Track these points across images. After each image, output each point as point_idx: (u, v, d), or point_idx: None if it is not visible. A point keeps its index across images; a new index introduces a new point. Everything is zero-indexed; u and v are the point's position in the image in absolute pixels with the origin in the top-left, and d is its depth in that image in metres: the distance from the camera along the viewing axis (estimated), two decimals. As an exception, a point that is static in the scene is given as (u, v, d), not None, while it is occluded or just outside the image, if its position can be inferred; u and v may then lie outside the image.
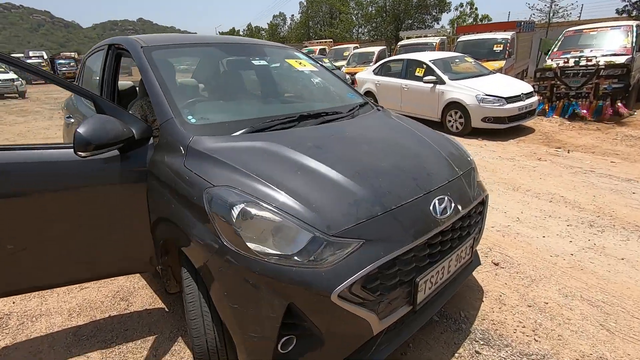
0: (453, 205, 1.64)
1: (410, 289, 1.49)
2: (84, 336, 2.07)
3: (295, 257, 1.26)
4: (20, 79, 16.60)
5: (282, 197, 1.35)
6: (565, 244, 2.88)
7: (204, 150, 1.57)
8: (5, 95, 16.10)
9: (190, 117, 1.79)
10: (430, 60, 7.49)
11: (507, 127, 6.45)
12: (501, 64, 9.37)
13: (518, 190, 4.03)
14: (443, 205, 1.60)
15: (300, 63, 2.60)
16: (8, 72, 16.62)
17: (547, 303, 2.21)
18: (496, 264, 2.63)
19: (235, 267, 1.29)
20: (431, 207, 1.55)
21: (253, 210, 1.30)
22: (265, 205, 1.32)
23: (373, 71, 8.95)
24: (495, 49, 9.96)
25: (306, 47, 21.05)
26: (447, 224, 1.59)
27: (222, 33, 72.45)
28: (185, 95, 2.02)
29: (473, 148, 5.83)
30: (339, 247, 1.30)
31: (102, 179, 1.71)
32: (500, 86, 6.74)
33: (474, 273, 2.47)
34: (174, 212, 1.54)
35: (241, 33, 60.77)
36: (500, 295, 2.30)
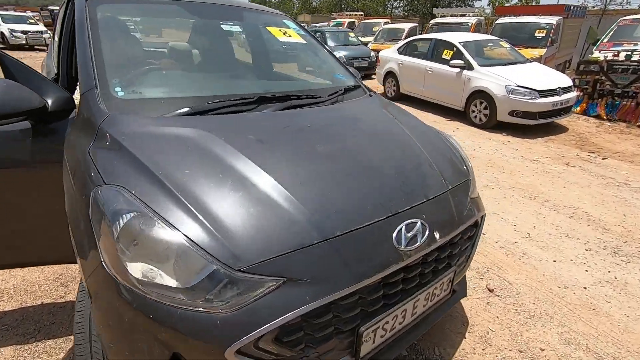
0: (427, 232, 1.26)
1: (352, 339, 1.15)
2: (5, 325, 1.86)
3: (182, 295, 0.94)
4: (49, 32, 16.71)
5: (184, 211, 1.01)
6: (580, 273, 2.44)
7: (114, 134, 1.24)
8: (35, 47, 16.29)
9: (118, 88, 1.45)
10: (460, 42, 6.79)
11: (536, 123, 5.80)
12: (541, 52, 8.47)
13: (535, 199, 3.54)
14: (412, 233, 1.22)
15: (285, 33, 2.19)
16: (38, 24, 16.76)
17: (542, 350, 1.83)
18: (491, 290, 2.25)
19: (109, 295, 0.98)
20: (394, 235, 1.18)
21: (140, 225, 0.98)
22: (157, 219, 0.99)
23: (398, 50, 8.29)
24: (536, 34, 8.99)
25: (335, 19, 20.05)
26: (415, 257, 1.22)
27: (253, 0, 70.67)
28: (128, 62, 1.68)
29: (494, 144, 5.27)
30: (247, 286, 0.96)
31: (9, 156, 1.44)
32: (535, 77, 6.02)
33: (461, 300, 2.10)
34: (70, 209, 1.24)
35: (274, 0, 59.06)
36: (488, 332, 1.93)
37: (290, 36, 2.20)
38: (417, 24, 14.01)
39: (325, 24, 18.55)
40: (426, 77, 7.29)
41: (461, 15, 14.41)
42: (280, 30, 2.18)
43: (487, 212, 3.21)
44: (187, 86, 1.67)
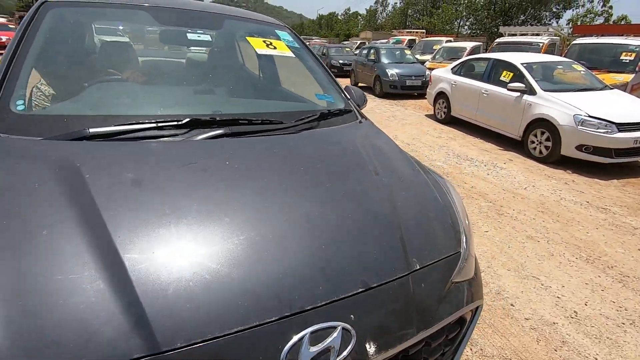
0: (353, 344, 0.82)
1: None
2: None
3: None
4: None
5: None
6: (645, 386, 1.74)
7: None
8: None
9: (20, 101, 1.23)
10: (522, 63, 6.00)
11: (612, 162, 4.82)
12: (627, 78, 7.25)
13: (594, 262, 2.78)
14: (322, 346, 0.79)
15: (269, 44, 1.88)
16: None
17: None
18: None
19: None
20: (285, 351, 0.76)
21: None
22: None
23: (452, 69, 7.65)
24: (622, 58, 7.74)
25: (395, 36, 19.63)
26: None
27: (322, 16, 72.86)
28: (57, 72, 1.48)
29: (552, 183, 4.44)
30: None
31: None
32: (613, 107, 5.06)
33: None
34: None
35: (340, 17, 60.29)
36: None
37: (275, 48, 1.88)
38: (481, 43, 13.06)
39: (385, 40, 18.20)
40: (480, 100, 6.56)
41: (533, 35, 13.16)
42: (263, 41, 1.87)
43: (524, 273, 2.57)
44: (115, 102, 1.41)
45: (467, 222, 1.34)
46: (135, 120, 1.21)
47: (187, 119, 1.26)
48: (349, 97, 1.88)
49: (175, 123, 1.24)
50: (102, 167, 1.00)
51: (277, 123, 1.43)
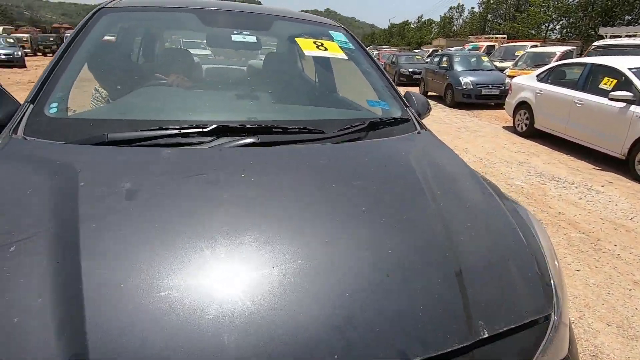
0: None
1: None
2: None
3: None
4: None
5: None
6: None
7: None
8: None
9: (55, 104, 1.20)
10: (630, 69, 5.06)
11: None
12: None
13: None
14: None
15: (319, 45, 1.69)
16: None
17: None
18: None
19: None
20: None
21: None
22: None
23: (537, 76, 6.80)
24: None
25: (471, 42, 18.41)
26: None
27: (394, 25, 71.88)
28: (104, 75, 1.46)
29: (669, 215, 3.58)
30: None
31: None
32: None
33: None
34: None
35: (412, 26, 58.94)
36: None
37: (325, 49, 1.68)
38: (574, 48, 11.55)
39: (460, 48, 17.17)
40: (572, 111, 5.68)
41: (643, 36, 11.29)
42: (314, 42, 1.69)
43: (632, 332, 1.97)
44: (147, 108, 1.33)
45: (558, 270, 0.99)
46: (159, 126, 1.10)
47: (214, 126, 1.11)
48: (407, 104, 1.61)
49: (200, 130, 1.10)
50: (101, 175, 0.89)
51: (317, 132, 1.23)
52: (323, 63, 2.05)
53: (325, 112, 1.57)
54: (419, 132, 1.45)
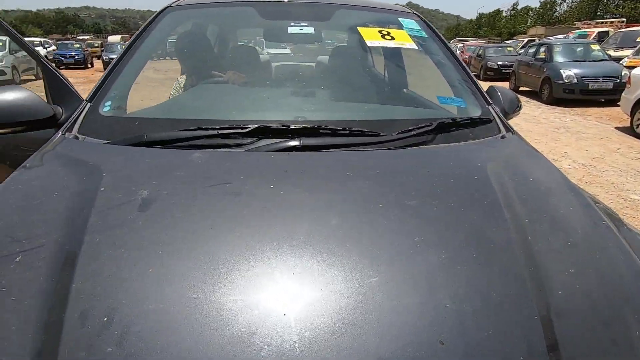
0: None
1: None
2: None
3: None
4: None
5: None
6: None
7: (43, 157, 0.99)
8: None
9: (109, 102, 1.20)
10: None
11: None
12: None
13: None
14: None
15: (385, 35, 1.48)
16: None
17: None
18: None
19: None
20: None
21: None
22: None
23: (668, 66, 5.55)
24: None
25: (578, 29, 15.96)
26: None
27: (482, 15, 66.22)
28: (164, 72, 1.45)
29: None
30: None
31: None
32: None
33: None
34: None
35: (505, 14, 53.64)
36: None
37: (392, 38, 1.47)
38: None
39: (563, 36, 15.02)
40: None
41: None
42: (379, 31, 1.49)
43: None
44: (196, 106, 1.27)
45: None
46: (197, 126, 1.03)
47: (252, 127, 1.00)
48: (490, 101, 1.32)
49: (238, 131, 1.00)
50: (124, 180, 0.83)
51: (371, 134, 1.04)
52: (394, 55, 1.84)
53: (388, 110, 1.36)
54: (503, 136, 1.16)
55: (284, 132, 1.01)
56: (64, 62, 18.51)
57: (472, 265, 0.65)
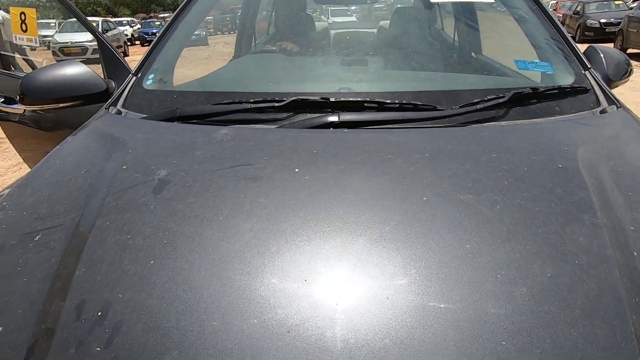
0: None
1: None
2: None
3: None
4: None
5: None
6: None
7: (86, 132, 1.01)
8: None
9: (152, 75, 1.19)
10: None
11: None
12: None
13: None
14: None
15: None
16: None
17: None
18: None
19: None
20: None
21: None
22: None
23: None
24: None
25: None
26: None
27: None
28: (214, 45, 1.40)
29: None
30: None
31: None
32: None
33: None
34: None
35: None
36: None
37: (462, -7, 1.23)
38: None
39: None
40: None
41: None
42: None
43: None
44: (238, 77, 1.20)
45: None
46: (231, 99, 0.96)
47: (288, 100, 0.90)
48: (588, 65, 1.04)
49: (273, 105, 0.91)
50: (146, 158, 0.80)
51: (426, 109, 0.87)
52: (466, 14, 1.57)
53: (450, 79, 1.15)
54: (603, 110, 0.91)
55: (323, 105, 0.90)
56: (147, 39, 20.27)
57: (545, 294, 0.49)
